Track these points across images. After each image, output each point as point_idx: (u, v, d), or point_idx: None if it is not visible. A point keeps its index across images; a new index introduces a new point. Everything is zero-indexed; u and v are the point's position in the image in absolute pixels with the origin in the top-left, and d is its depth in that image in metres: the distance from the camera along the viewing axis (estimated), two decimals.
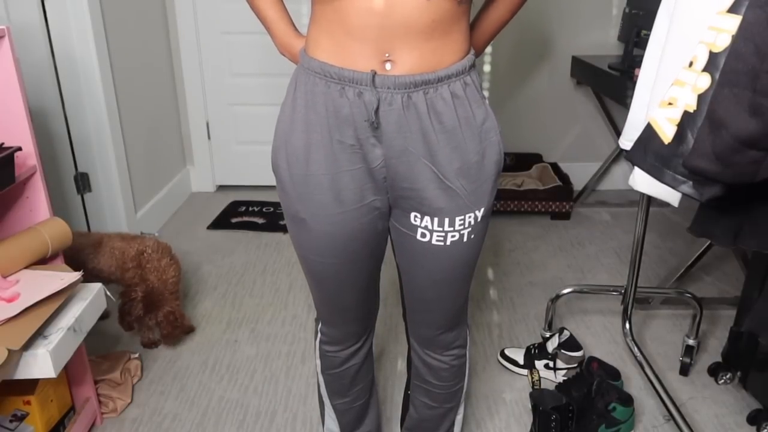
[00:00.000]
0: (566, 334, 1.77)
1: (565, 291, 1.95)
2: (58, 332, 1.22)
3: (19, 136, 1.34)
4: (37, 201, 1.41)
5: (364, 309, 1.20)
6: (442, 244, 1.02)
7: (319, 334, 1.25)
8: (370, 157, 0.95)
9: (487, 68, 3.01)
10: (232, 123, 3.16)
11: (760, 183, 0.78)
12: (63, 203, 2.33)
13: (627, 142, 1.21)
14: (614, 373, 1.63)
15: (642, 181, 1.15)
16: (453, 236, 1.01)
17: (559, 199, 2.80)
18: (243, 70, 3.04)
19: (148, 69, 2.75)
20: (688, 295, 1.85)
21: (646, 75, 1.17)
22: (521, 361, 1.79)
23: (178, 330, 1.87)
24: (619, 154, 2.99)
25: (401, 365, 1.83)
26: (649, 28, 1.16)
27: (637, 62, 2.20)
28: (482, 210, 1.02)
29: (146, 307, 1.81)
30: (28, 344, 1.16)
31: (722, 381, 1.72)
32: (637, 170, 1.07)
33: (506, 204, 2.82)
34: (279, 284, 2.31)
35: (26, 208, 1.42)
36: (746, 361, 1.63)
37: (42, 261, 1.40)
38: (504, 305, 2.15)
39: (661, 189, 0.96)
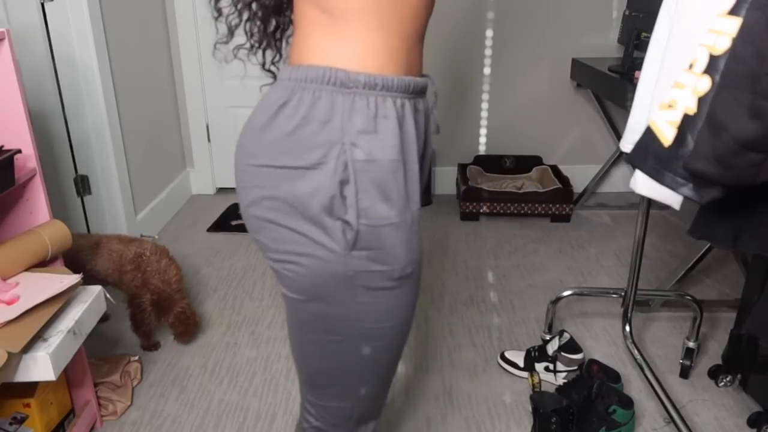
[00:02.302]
0: (566, 336, 1.77)
1: (566, 293, 1.95)
2: (57, 335, 1.22)
3: (19, 138, 1.34)
4: (37, 203, 1.41)
5: None
6: None
7: None
8: None
9: (487, 71, 3.01)
10: (231, 125, 3.16)
11: (760, 186, 0.78)
12: (63, 206, 2.33)
13: (628, 144, 1.21)
14: (614, 376, 1.63)
15: (643, 184, 1.15)
16: None
17: (559, 202, 2.80)
18: (243, 73, 3.04)
19: (147, 71, 2.75)
20: (688, 297, 1.85)
21: (646, 78, 1.17)
22: (521, 364, 1.79)
23: (192, 327, 1.88)
24: (619, 156, 2.99)
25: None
26: (649, 30, 1.17)
27: (637, 65, 2.21)
28: None
29: (157, 312, 1.81)
30: (28, 347, 1.16)
31: (722, 383, 1.72)
32: (638, 173, 1.07)
33: (506, 206, 2.82)
34: (279, 287, 2.30)
35: (26, 211, 1.42)
36: (746, 364, 1.63)
37: (42, 263, 1.40)
38: (504, 308, 2.15)
39: (662, 192, 0.96)
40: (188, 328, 1.87)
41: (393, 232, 0.80)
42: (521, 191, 2.85)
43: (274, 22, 1.01)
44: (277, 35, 1.02)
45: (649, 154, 0.87)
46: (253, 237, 0.86)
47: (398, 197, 0.80)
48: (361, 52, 0.79)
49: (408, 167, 0.82)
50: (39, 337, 1.20)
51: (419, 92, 0.85)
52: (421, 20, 0.83)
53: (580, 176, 3.08)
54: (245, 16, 0.99)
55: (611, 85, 2.31)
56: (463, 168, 3.05)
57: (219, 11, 0.98)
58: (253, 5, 0.98)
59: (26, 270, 1.35)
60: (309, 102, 0.78)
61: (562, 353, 1.74)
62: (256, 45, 1.03)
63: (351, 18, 0.78)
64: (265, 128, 0.81)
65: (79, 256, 1.82)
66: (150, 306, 1.79)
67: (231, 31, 1.00)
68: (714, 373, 1.74)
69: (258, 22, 1.00)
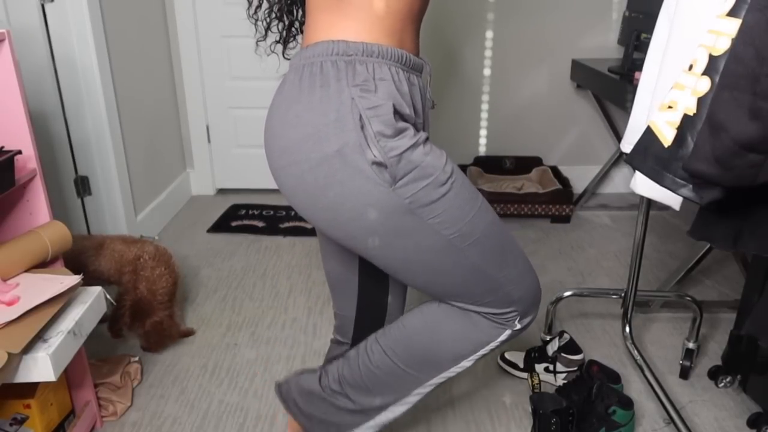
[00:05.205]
0: (566, 337, 1.77)
1: (566, 294, 1.95)
2: (58, 335, 1.22)
3: (19, 139, 1.35)
4: (37, 204, 1.41)
5: None
6: None
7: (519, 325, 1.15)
8: None
9: (487, 72, 3.02)
10: (232, 126, 3.16)
11: (760, 186, 0.78)
12: (63, 206, 2.34)
13: (628, 146, 1.21)
14: (614, 377, 1.63)
15: (643, 185, 1.15)
16: None
17: (559, 203, 2.80)
18: (243, 74, 3.04)
19: (148, 72, 2.75)
20: (688, 298, 1.85)
21: (647, 79, 1.17)
22: (521, 365, 1.79)
23: (168, 339, 1.88)
24: (619, 157, 2.99)
25: None
26: (649, 31, 1.17)
27: (637, 65, 2.21)
28: None
29: (133, 316, 1.81)
30: (28, 347, 1.16)
31: (722, 384, 1.72)
32: (638, 174, 1.07)
33: (506, 207, 2.82)
34: (279, 288, 2.31)
35: (26, 212, 1.42)
36: (746, 365, 1.63)
37: (42, 264, 1.40)
38: None
39: (662, 192, 0.97)
40: (162, 339, 1.86)
41: (416, 151, 0.92)
42: (521, 192, 2.85)
43: (296, 22, 1.20)
44: (294, 30, 1.21)
45: (649, 155, 0.87)
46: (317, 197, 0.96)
47: (408, 127, 0.92)
48: (359, 27, 0.92)
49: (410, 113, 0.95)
50: (39, 337, 1.20)
51: (413, 67, 0.97)
52: (413, 5, 0.96)
53: (580, 177, 3.08)
54: (274, 15, 1.18)
55: (611, 85, 2.31)
56: (462, 169, 3.03)
57: (256, 18, 1.18)
58: (275, 7, 1.17)
59: (26, 271, 1.35)
60: (318, 71, 0.92)
61: (562, 354, 1.74)
62: (283, 39, 1.21)
63: (353, 0, 0.92)
64: (288, 107, 0.95)
65: (83, 258, 1.82)
66: (128, 307, 1.80)
67: (267, 30, 1.20)
68: (714, 374, 1.74)
69: (285, 21, 1.19)
